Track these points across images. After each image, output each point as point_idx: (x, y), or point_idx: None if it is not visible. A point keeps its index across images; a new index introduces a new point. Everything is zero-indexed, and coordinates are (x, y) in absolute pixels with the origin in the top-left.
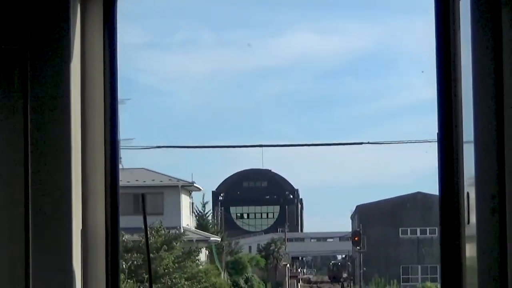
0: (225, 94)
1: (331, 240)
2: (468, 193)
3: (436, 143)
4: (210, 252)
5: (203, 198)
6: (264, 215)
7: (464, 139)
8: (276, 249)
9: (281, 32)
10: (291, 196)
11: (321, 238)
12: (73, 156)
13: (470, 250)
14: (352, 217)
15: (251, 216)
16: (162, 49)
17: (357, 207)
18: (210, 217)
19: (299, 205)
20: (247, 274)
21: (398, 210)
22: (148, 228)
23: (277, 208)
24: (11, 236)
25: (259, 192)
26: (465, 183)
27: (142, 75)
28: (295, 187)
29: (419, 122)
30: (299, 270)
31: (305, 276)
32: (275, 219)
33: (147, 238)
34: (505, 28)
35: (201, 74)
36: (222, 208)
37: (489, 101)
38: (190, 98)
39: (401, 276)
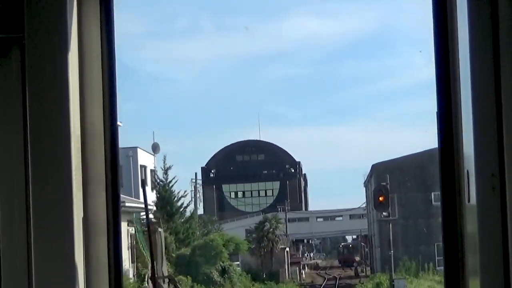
0: (226, 80)
1: (340, 218)
2: (468, 171)
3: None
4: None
5: (164, 161)
6: (262, 193)
7: (463, 117)
8: (271, 230)
9: (281, 16)
10: (293, 170)
11: (328, 216)
12: (73, 143)
13: (471, 228)
14: (366, 183)
15: (247, 194)
16: (162, 37)
17: (374, 166)
18: (175, 188)
19: (302, 180)
20: (223, 262)
21: (430, 168)
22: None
23: (276, 184)
24: (12, 225)
25: (256, 167)
26: (464, 161)
27: (142, 64)
28: (297, 159)
29: (420, 102)
30: (305, 254)
31: (313, 261)
32: (274, 197)
33: (149, 228)
34: (501, 6)
35: (202, 61)
36: (200, 181)
37: (487, 78)
38: (191, 85)
39: (436, 258)
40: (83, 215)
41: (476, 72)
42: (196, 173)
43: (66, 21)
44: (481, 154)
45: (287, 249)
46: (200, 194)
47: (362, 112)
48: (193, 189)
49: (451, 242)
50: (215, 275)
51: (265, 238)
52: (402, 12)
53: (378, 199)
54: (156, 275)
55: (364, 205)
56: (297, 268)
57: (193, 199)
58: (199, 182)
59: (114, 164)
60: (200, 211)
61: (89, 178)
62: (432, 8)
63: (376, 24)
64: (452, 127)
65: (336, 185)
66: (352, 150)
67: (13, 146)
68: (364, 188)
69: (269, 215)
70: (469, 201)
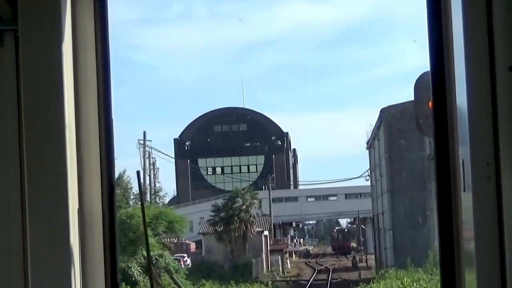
0: (221, 67)
1: (334, 198)
2: (463, 161)
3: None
4: None
5: None
6: (244, 169)
7: (458, 107)
8: (244, 207)
9: (275, 2)
10: (279, 143)
11: (321, 196)
12: (68, 135)
13: (467, 217)
14: (371, 141)
15: (227, 170)
16: (156, 24)
17: (383, 111)
18: None
19: (291, 156)
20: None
21: None
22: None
23: (261, 159)
24: (8, 217)
25: (237, 139)
26: (460, 151)
27: (137, 51)
28: (284, 130)
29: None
30: (295, 240)
31: (302, 248)
32: (259, 173)
33: (144, 218)
34: None
35: (196, 48)
36: (149, 142)
37: (481, 68)
38: (185, 72)
39: None
40: (79, 207)
41: (471, 64)
42: (144, 132)
43: (60, 13)
44: (476, 144)
45: (266, 232)
46: (154, 160)
47: (356, 98)
48: (141, 154)
49: (447, 231)
50: (136, 272)
51: (235, 218)
52: None
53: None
54: (152, 269)
55: (367, 175)
56: (279, 256)
57: (142, 168)
58: (151, 145)
59: (109, 156)
60: (168, 186)
61: (84, 170)
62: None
63: (371, 10)
64: (447, 118)
65: (329, 168)
66: (345, 137)
67: (8, 138)
68: (368, 151)
69: (242, 188)
70: (464, 190)
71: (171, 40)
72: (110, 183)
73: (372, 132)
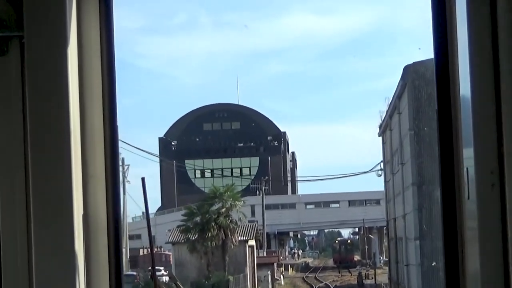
0: (225, 76)
1: (337, 205)
2: (467, 169)
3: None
4: None
5: None
6: (237, 172)
7: (463, 116)
8: (224, 211)
9: (280, 13)
10: (276, 143)
11: (321, 203)
12: (73, 141)
13: (471, 225)
14: (387, 118)
15: (217, 173)
16: (161, 33)
17: (407, 70)
18: None
19: (289, 160)
20: None
21: None
22: None
23: (255, 161)
24: (13, 223)
25: (228, 138)
26: (464, 159)
27: (141, 60)
28: (282, 129)
29: None
30: (292, 252)
31: (300, 260)
32: (252, 177)
33: (148, 223)
34: (500, 4)
35: (201, 57)
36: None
37: (486, 75)
38: (190, 80)
39: None
40: (83, 212)
41: (475, 72)
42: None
43: (66, 19)
44: (480, 152)
45: (252, 242)
46: (121, 156)
47: (361, 108)
48: None
49: (451, 238)
50: None
51: (213, 224)
52: (402, 8)
53: None
54: (156, 274)
55: (379, 169)
56: (270, 272)
57: None
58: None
59: (114, 161)
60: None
61: (89, 175)
62: (431, 6)
63: (376, 20)
64: (452, 125)
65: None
66: (349, 148)
67: (13, 144)
68: (381, 138)
69: (222, 187)
70: (469, 198)
71: (175, 49)
72: (115, 189)
73: (389, 107)
